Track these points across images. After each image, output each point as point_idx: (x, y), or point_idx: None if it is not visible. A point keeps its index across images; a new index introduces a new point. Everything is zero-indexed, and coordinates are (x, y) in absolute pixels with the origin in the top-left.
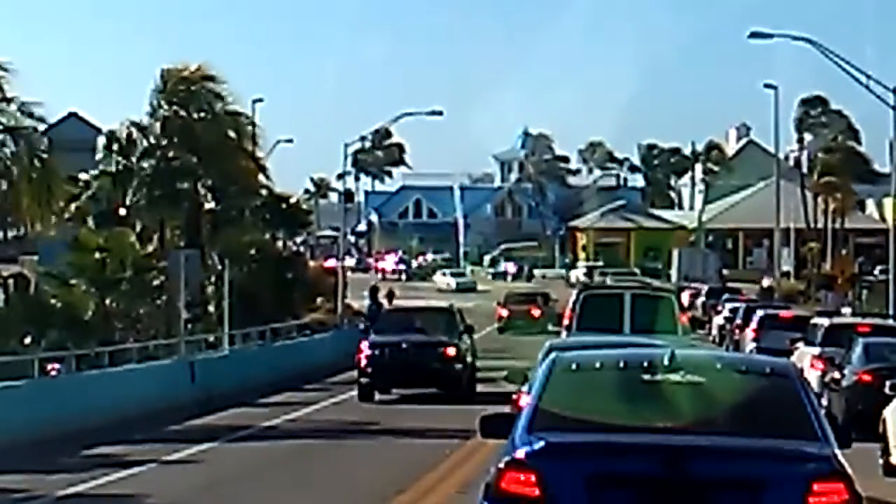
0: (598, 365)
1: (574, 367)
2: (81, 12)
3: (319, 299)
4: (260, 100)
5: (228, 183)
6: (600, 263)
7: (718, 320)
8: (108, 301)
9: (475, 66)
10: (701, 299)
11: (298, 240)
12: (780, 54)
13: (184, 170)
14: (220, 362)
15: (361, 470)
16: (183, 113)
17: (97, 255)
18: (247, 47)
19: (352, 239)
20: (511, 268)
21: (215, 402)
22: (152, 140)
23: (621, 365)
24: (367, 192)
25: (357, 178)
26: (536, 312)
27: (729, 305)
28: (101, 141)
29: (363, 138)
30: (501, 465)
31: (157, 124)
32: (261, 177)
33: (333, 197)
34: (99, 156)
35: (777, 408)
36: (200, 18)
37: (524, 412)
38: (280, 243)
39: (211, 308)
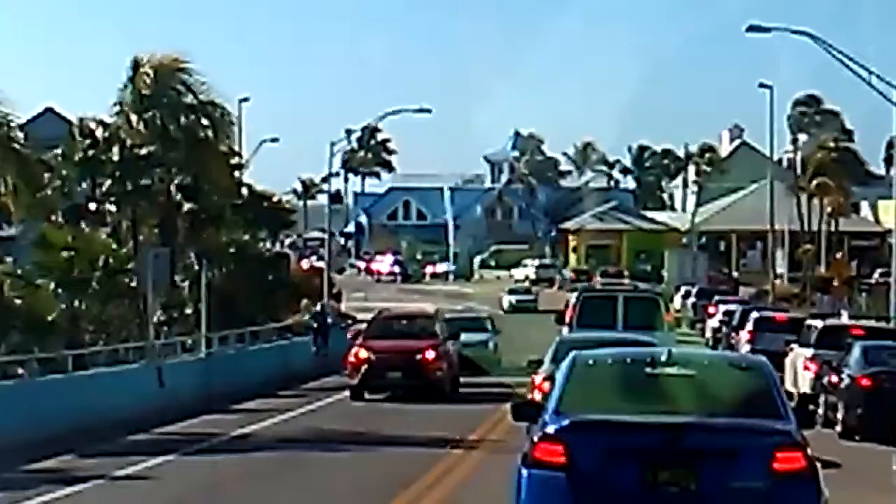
0: (609, 361)
1: (591, 362)
2: (60, 6)
3: (305, 301)
4: (246, 99)
5: (204, 179)
6: (548, 262)
7: (713, 323)
8: (76, 302)
9: (466, 66)
10: (691, 300)
11: (287, 241)
12: (774, 57)
13: (155, 163)
14: (191, 367)
15: (334, 485)
16: (154, 104)
17: (65, 253)
18: (237, 46)
19: (341, 241)
20: (440, 267)
21: (184, 410)
22: (120, 132)
23: (629, 361)
24: (355, 194)
25: (346, 180)
26: (430, 355)
27: (723, 308)
28: (70, 133)
29: (349, 132)
30: (535, 439)
31: (126, 115)
32: (239, 174)
33: (322, 198)
34: (59, 151)
35: (751, 394)
36: (191, 17)
37: (552, 397)
38: (267, 243)
39: (188, 310)
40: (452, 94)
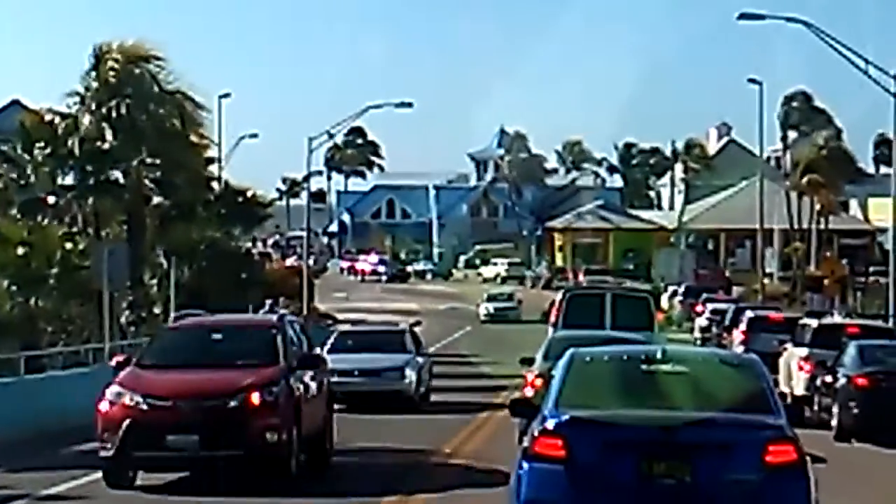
0: (606, 358)
1: (588, 359)
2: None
3: (283, 301)
4: (227, 95)
5: (174, 172)
6: (517, 260)
7: (701, 321)
8: (32, 301)
9: (452, 64)
10: (678, 298)
11: (270, 240)
12: (765, 55)
13: (119, 155)
14: None
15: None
16: (119, 93)
17: (20, 249)
18: (234, 44)
19: (325, 240)
20: (418, 266)
21: None
22: (79, 122)
23: (625, 358)
24: (339, 192)
25: (329, 178)
26: (256, 399)
27: (711, 306)
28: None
29: (331, 134)
30: (536, 434)
31: (88, 105)
32: (213, 168)
33: (306, 196)
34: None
35: (743, 390)
36: (186, 13)
37: (551, 393)
38: (248, 242)
39: (157, 310)
40: (438, 92)
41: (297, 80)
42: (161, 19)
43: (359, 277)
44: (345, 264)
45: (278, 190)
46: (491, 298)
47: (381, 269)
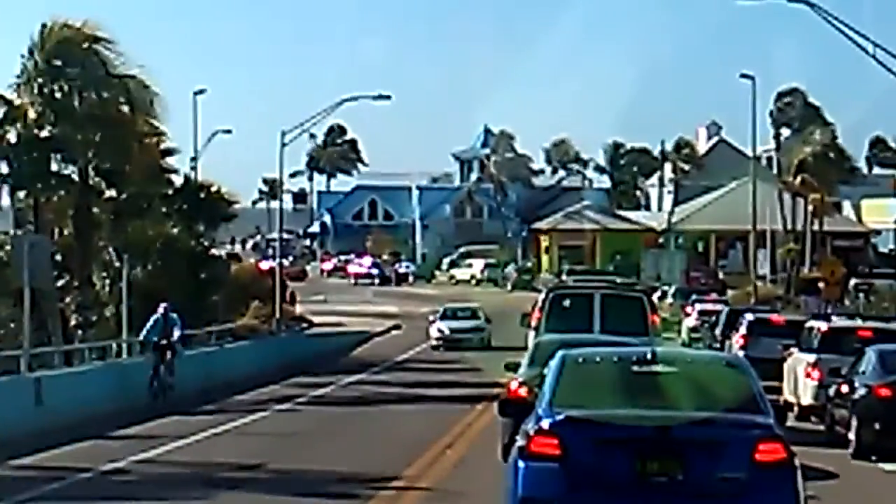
0: (598, 359)
1: (580, 360)
2: None
3: (256, 303)
4: (202, 91)
5: (122, 162)
6: (493, 261)
7: (689, 322)
8: None
9: (434, 63)
10: (669, 300)
11: (250, 242)
12: (756, 56)
13: (61, 143)
14: (81, 379)
15: None
16: (61, 77)
17: None
18: (233, 43)
19: (306, 241)
20: (401, 268)
21: (63, 433)
22: (19, 107)
23: (616, 359)
24: (320, 192)
25: (310, 178)
26: None
27: (699, 307)
28: None
29: (312, 135)
30: (531, 433)
31: (30, 89)
32: (172, 160)
33: (287, 198)
34: None
35: (732, 389)
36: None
37: (545, 393)
38: (228, 243)
39: (108, 311)
40: (422, 91)
41: (287, 81)
42: (154, 18)
43: (351, 280)
44: (326, 266)
45: (260, 191)
46: (447, 315)
47: (375, 271)
